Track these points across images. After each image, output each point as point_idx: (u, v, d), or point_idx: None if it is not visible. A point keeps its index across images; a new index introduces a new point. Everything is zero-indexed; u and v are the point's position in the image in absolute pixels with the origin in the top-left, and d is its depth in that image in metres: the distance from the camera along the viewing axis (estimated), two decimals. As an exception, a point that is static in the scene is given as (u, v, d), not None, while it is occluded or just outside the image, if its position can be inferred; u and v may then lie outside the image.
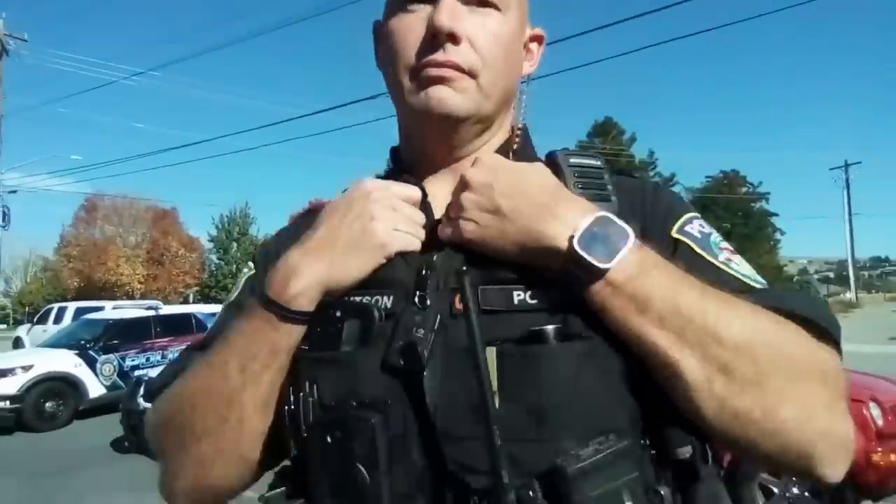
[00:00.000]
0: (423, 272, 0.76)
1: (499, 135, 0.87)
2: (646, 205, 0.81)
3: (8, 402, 9.29)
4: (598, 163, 0.82)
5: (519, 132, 0.88)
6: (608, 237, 0.69)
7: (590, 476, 0.63)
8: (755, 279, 0.77)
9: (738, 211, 38.86)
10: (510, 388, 0.67)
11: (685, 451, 0.71)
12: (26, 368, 9.77)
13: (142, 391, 8.10)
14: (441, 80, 0.77)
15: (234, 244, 39.31)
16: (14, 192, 28.07)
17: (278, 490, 0.78)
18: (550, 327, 0.69)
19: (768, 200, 40.92)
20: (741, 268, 0.78)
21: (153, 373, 8.68)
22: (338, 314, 0.76)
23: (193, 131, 73.75)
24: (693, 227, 0.80)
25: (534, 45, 0.90)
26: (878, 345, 16.37)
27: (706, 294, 0.69)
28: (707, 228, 0.81)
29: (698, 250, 0.77)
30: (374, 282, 0.77)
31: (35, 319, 21.02)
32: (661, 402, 0.70)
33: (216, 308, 15.98)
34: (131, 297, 32.16)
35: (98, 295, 31.68)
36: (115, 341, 10.80)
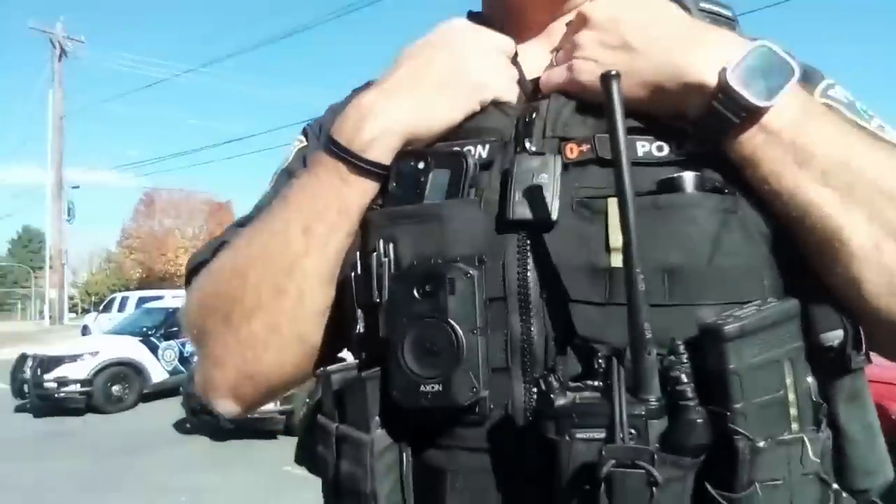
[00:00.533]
0: (528, 119, 0.65)
1: None
2: None
3: (79, 386, 9.81)
4: (730, 13, 0.70)
5: None
6: (769, 71, 0.58)
7: (749, 339, 0.53)
8: None
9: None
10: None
11: (834, 337, 0.59)
12: (94, 354, 10.29)
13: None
14: None
15: (287, 234, 40.13)
16: (77, 187, 29.31)
17: (347, 363, 0.67)
18: (689, 174, 0.59)
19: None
20: (892, 131, 0.68)
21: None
22: (420, 165, 0.65)
23: (244, 125, 75.32)
24: (837, 92, 0.69)
25: None
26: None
27: (877, 148, 0.59)
28: (851, 94, 0.70)
29: (849, 115, 0.66)
30: (463, 132, 0.67)
31: (100, 308, 21.98)
32: (809, 275, 0.60)
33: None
34: (190, 287, 33.23)
35: (159, 284, 32.82)
36: (176, 328, 11.25)
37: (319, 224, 0.66)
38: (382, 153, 0.65)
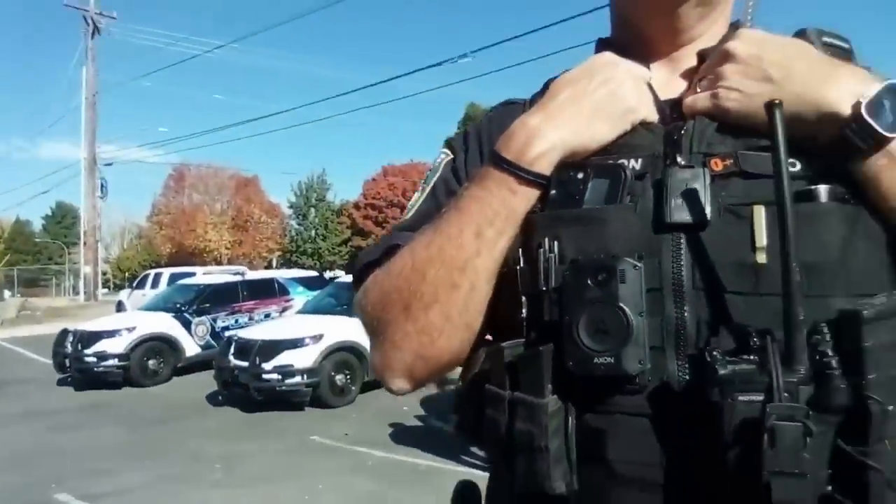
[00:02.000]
0: (676, 137, 0.74)
1: (720, 24, 0.83)
2: None
3: (117, 360, 10.25)
4: (849, 45, 0.79)
5: (749, 24, 0.85)
6: (894, 107, 0.66)
7: (882, 322, 0.61)
8: None
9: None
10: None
11: None
12: (130, 330, 10.69)
13: (232, 350, 8.82)
14: None
15: (312, 210, 40.46)
16: (110, 164, 29.85)
17: (515, 341, 0.75)
18: (823, 187, 0.68)
19: None
20: None
21: (242, 333, 9.42)
22: (579, 175, 0.74)
23: (272, 101, 75.65)
24: None
25: None
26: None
27: None
28: None
29: None
30: (616, 148, 0.76)
31: (134, 284, 22.62)
32: None
33: (296, 272, 16.78)
34: (219, 263, 33.87)
35: (189, 260, 33.47)
36: (207, 304, 11.63)
37: (489, 228, 0.75)
38: (546, 167, 0.74)
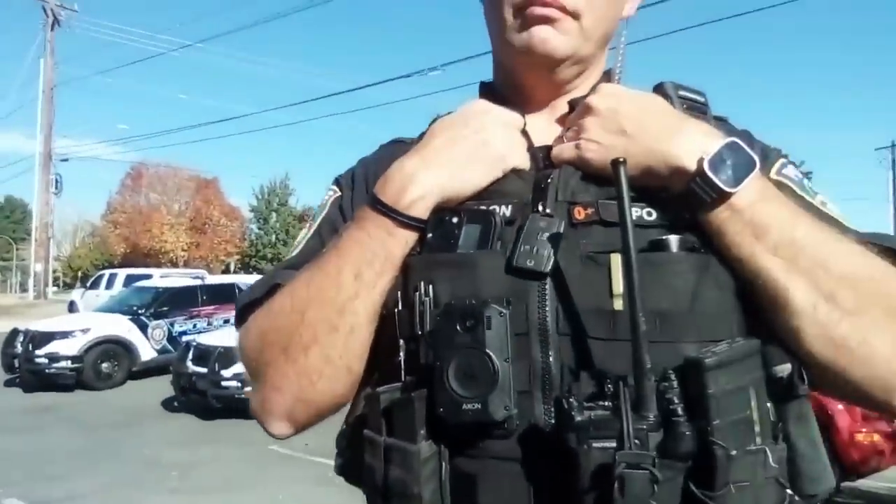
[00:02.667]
0: (543, 185, 0.77)
1: (594, 74, 0.88)
2: None
3: (70, 362, 10.05)
4: (703, 100, 0.84)
5: (618, 74, 0.90)
6: (736, 162, 0.70)
7: (724, 369, 0.64)
8: (848, 222, 0.81)
9: (778, 190, 38.32)
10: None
11: (784, 370, 0.72)
12: (84, 331, 10.50)
13: (191, 355, 8.72)
14: (545, 20, 0.79)
15: (274, 214, 39.96)
16: (66, 160, 29.11)
17: (392, 385, 0.75)
18: (674, 237, 0.71)
19: (811, 179, 40.19)
20: (835, 210, 0.81)
21: (201, 339, 9.29)
22: (454, 220, 0.77)
23: (237, 103, 74.70)
24: (790, 171, 0.83)
25: None
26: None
27: (817, 227, 0.72)
28: (799, 173, 0.84)
29: (798, 191, 0.80)
30: (488, 193, 0.78)
31: (88, 284, 22.06)
32: (763, 322, 0.72)
33: (257, 278, 16.35)
34: (175, 265, 33.23)
35: (143, 261, 32.76)
36: (165, 308, 11.47)
37: (368, 270, 0.76)
38: (422, 212, 0.76)
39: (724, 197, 0.70)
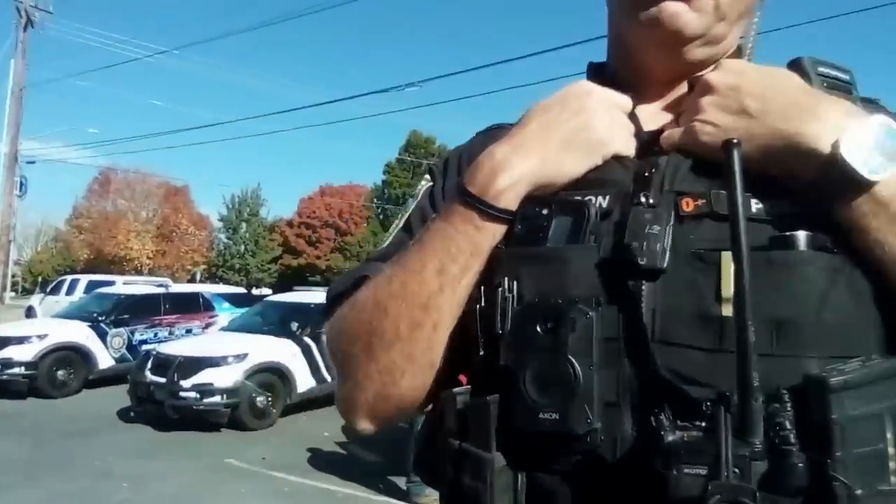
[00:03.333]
0: (647, 174, 0.70)
1: (724, 56, 0.78)
2: None
3: (23, 369, 9.72)
4: (847, 77, 0.73)
5: (749, 52, 0.81)
6: (881, 146, 0.60)
7: (852, 392, 0.55)
8: None
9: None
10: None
11: None
12: (41, 337, 10.19)
13: (150, 364, 8.54)
14: None
15: (244, 224, 39.64)
16: (32, 162, 28.52)
17: (462, 387, 0.72)
18: (802, 233, 0.62)
19: None
20: None
21: (162, 348, 9.11)
22: (544, 211, 0.70)
23: (211, 112, 74.11)
24: None
25: None
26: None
27: None
28: None
29: None
30: (585, 182, 0.71)
31: (48, 290, 21.53)
32: None
33: (222, 288, 16.40)
34: (140, 272, 32.69)
35: (107, 268, 32.10)
36: (126, 316, 11.21)
37: (453, 265, 0.71)
38: (511, 202, 0.70)
39: (864, 186, 0.60)
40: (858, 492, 0.53)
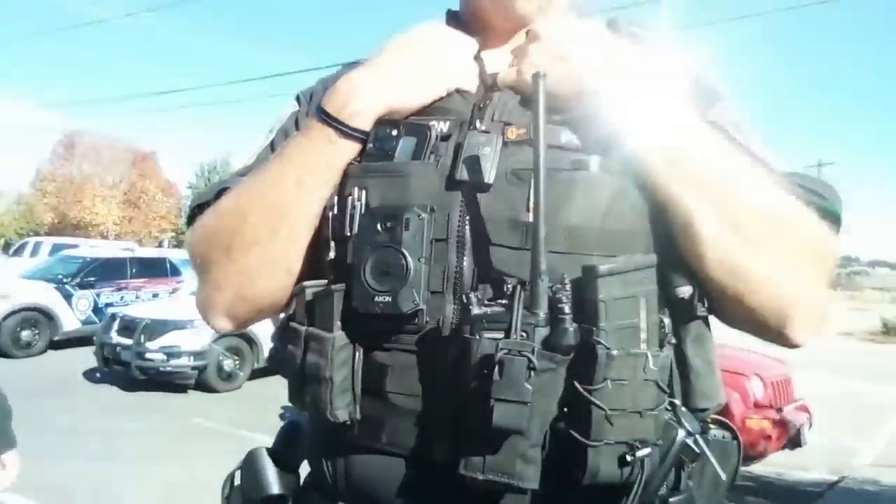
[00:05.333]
0: (482, 106, 0.81)
1: (556, 12, 0.89)
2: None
3: (-15, 328, 9.65)
4: (652, 35, 0.87)
5: (581, 10, 0.93)
6: (662, 103, 0.76)
7: (615, 278, 0.70)
8: (774, 161, 0.84)
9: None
10: (550, 206, 0.70)
11: (685, 291, 0.77)
12: (4, 297, 10.13)
13: (116, 326, 8.57)
14: None
15: (213, 192, 39.09)
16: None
17: (318, 281, 0.80)
18: (595, 158, 0.75)
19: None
20: (764, 151, 0.84)
21: (128, 310, 9.15)
22: (393, 132, 0.80)
23: (182, 77, 72.53)
24: (728, 113, 0.86)
25: None
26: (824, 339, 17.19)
27: (733, 162, 0.76)
28: (738, 114, 0.87)
29: (732, 132, 0.82)
30: (432, 110, 0.82)
31: (11, 251, 21.18)
32: (671, 244, 0.76)
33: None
34: (105, 238, 32.20)
35: (72, 232, 31.60)
36: (92, 278, 11.14)
37: (309, 177, 0.79)
38: (364, 122, 0.79)
39: (646, 134, 0.75)
40: (615, 353, 0.69)
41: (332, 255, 0.81)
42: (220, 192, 0.88)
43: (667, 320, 0.76)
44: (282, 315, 0.88)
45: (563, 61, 0.77)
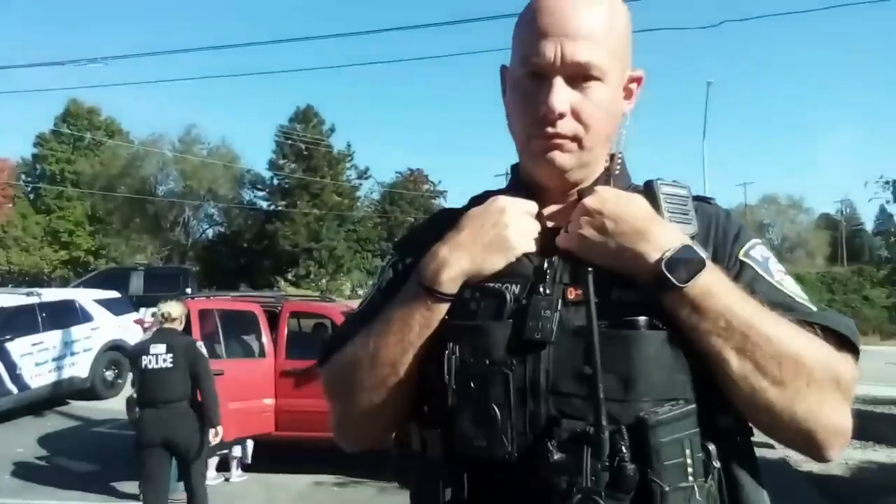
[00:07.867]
0: (544, 269, 0.96)
1: (599, 164, 1.06)
2: (719, 228, 1.02)
3: None
4: (685, 192, 1.02)
5: (619, 160, 1.09)
6: (689, 262, 0.89)
7: (663, 427, 0.83)
8: (800, 295, 0.98)
9: (420, 206, 41.94)
10: (607, 360, 0.85)
11: (727, 422, 0.92)
12: None
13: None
14: (552, 147, 0.99)
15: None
16: None
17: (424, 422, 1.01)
18: (642, 318, 0.89)
19: (446, 198, 43.17)
20: (789, 286, 0.99)
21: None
22: (477, 295, 0.98)
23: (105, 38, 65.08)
24: (756, 252, 1.01)
25: (633, 86, 1.07)
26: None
27: (755, 311, 0.89)
28: (767, 252, 1.02)
29: (759, 271, 0.98)
30: (505, 273, 0.98)
31: None
32: (714, 388, 0.90)
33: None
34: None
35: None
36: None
37: (411, 334, 0.98)
38: (452, 288, 0.98)
39: (677, 290, 0.88)
40: (667, 488, 0.83)
41: (433, 401, 1.00)
42: (346, 338, 1.08)
43: (712, 447, 0.89)
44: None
45: (605, 234, 0.94)
